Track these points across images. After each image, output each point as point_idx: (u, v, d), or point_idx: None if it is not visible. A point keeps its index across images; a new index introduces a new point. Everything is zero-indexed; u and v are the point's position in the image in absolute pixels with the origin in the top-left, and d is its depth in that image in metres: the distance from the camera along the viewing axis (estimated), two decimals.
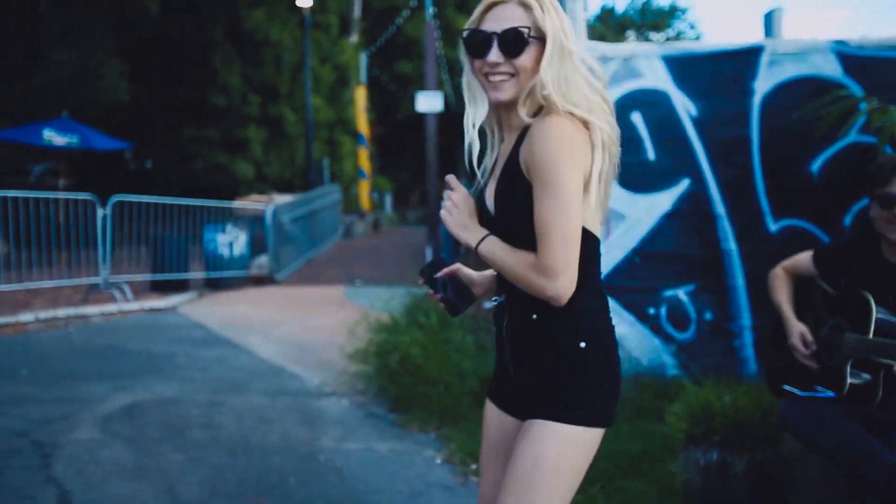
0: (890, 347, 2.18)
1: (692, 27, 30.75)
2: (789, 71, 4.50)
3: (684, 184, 4.66)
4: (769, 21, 5.35)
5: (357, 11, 24.07)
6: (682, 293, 4.73)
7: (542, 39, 1.65)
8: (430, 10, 13.27)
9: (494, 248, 1.67)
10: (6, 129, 12.96)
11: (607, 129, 1.73)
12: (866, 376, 2.27)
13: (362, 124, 20.51)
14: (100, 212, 9.12)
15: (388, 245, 17.67)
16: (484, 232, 1.70)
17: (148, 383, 5.46)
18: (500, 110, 1.76)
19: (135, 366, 6.02)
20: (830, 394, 2.30)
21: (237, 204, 12.59)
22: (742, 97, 4.55)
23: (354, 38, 23.83)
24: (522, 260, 1.61)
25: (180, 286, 10.17)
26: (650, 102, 4.63)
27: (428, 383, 4.56)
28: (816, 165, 4.55)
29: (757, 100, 4.55)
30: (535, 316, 1.68)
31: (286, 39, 17.81)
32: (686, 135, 4.62)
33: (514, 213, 1.66)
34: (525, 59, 1.65)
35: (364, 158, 20.83)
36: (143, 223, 10.01)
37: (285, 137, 18.52)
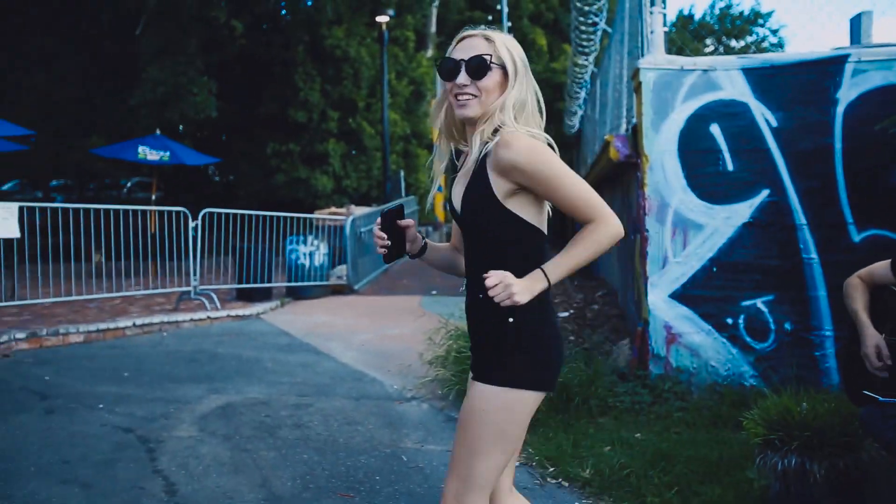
0: None
1: (774, 33, 29.90)
2: (875, 79, 4.47)
3: (764, 194, 4.67)
4: (856, 26, 5.28)
5: (433, 27, 24.48)
6: (760, 303, 4.73)
7: (502, 67, 1.95)
8: (506, 23, 13.44)
9: (557, 271, 1.88)
10: (105, 147, 13.74)
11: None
12: None
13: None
14: (191, 223, 9.60)
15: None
16: (540, 274, 1.87)
17: (239, 386, 5.76)
18: (465, 127, 2.05)
19: (226, 369, 6.35)
20: None
21: (318, 216, 12.99)
22: (825, 107, 4.55)
23: (430, 52, 24.23)
24: (580, 244, 1.87)
25: (264, 295, 10.58)
26: (729, 114, 4.66)
27: None
28: None
29: (840, 109, 4.54)
30: (480, 295, 1.92)
31: (364, 55, 18.29)
32: (766, 145, 4.64)
33: (477, 211, 1.96)
34: (487, 81, 1.94)
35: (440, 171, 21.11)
36: (229, 234, 10.47)
37: (363, 150, 18.99)
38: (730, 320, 4.77)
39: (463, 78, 1.94)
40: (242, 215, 10.52)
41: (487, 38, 1.97)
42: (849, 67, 4.49)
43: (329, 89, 17.99)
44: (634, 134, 5.09)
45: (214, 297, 9.68)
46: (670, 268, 4.82)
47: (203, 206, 10.46)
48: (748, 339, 4.76)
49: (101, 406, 5.11)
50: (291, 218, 11.47)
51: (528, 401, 1.95)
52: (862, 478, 2.73)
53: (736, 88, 4.65)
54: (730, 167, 4.70)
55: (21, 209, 7.85)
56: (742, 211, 4.70)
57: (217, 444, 4.38)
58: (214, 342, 7.67)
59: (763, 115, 4.63)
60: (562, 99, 20.10)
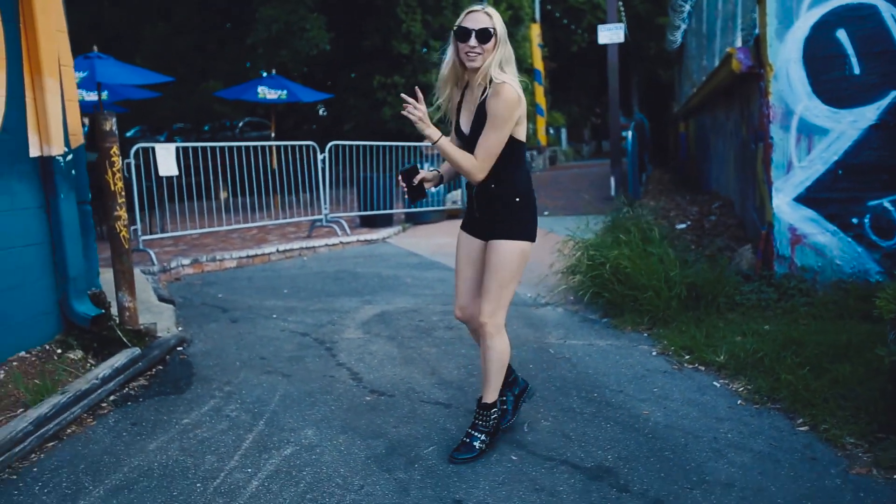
0: None
1: None
2: None
3: (891, 96, 4.80)
4: None
5: None
6: (887, 202, 4.92)
7: (495, 36, 2.93)
8: None
9: (447, 145, 2.99)
10: (226, 89, 14.59)
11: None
12: None
13: (537, 60, 20.78)
14: (320, 156, 10.28)
15: (567, 178, 18.09)
16: (439, 133, 2.94)
17: (387, 298, 6.41)
18: (470, 75, 3.04)
19: (370, 285, 7.02)
20: None
21: (423, 143, 13.48)
22: None
23: None
24: (464, 157, 2.98)
25: (385, 221, 11.26)
26: (857, 17, 4.77)
27: (638, 290, 5.09)
28: None
29: None
30: (493, 185, 3.07)
31: None
32: (895, 47, 4.72)
33: (479, 134, 2.99)
34: (488, 44, 2.93)
35: (540, 94, 21.16)
36: (351, 166, 11.12)
37: None
38: (855, 220, 4.98)
39: (473, 41, 2.91)
40: (364, 146, 11.13)
41: (488, 14, 2.92)
42: None
43: (430, 20, 18.23)
44: (757, 45, 5.25)
45: (345, 223, 10.42)
46: (795, 172, 5.04)
47: (315, 140, 11.11)
48: (874, 237, 4.96)
49: (274, 316, 5.86)
50: (407, 147, 12.02)
51: (529, 248, 3.12)
52: None
53: None
54: (856, 71, 4.83)
55: (177, 150, 8.69)
56: (868, 114, 4.85)
57: (383, 343, 5.02)
58: (352, 263, 8.38)
59: (893, 16, 4.71)
60: (664, 14, 19.60)
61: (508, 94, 2.89)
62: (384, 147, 11.46)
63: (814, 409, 3.39)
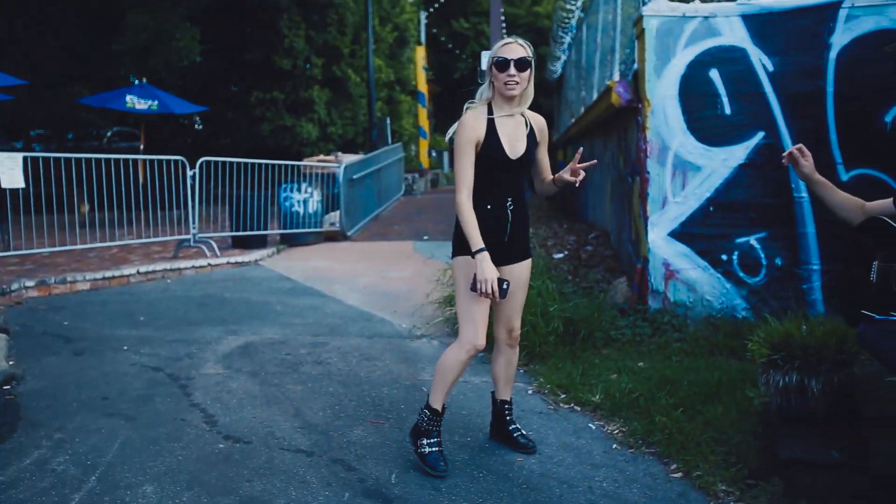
0: None
1: None
2: (867, 24, 4.68)
3: (759, 136, 4.92)
4: None
5: None
6: (753, 240, 5.02)
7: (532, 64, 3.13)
8: None
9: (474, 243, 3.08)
10: (93, 96, 13.64)
11: None
12: None
13: (422, 83, 20.79)
14: (189, 172, 9.69)
15: (448, 202, 18.05)
16: (477, 247, 3.06)
17: (254, 327, 5.99)
18: (504, 102, 3.15)
19: (237, 312, 6.57)
20: None
21: (309, 162, 13.07)
22: (819, 52, 4.76)
23: None
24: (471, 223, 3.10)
25: (259, 242, 10.74)
26: (728, 59, 4.87)
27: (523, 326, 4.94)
28: (890, 117, 4.74)
29: (833, 54, 4.76)
30: (521, 207, 3.27)
31: (349, 1, 18.12)
32: (762, 89, 4.86)
33: (531, 157, 3.29)
34: (525, 74, 3.10)
35: (423, 117, 21.16)
36: (223, 183, 10.56)
37: (348, 97, 18.95)
38: (724, 256, 5.06)
39: (513, 70, 3.05)
40: (238, 164, 10.60)
41: (521, 45, 3.10)
42: (842, 13, 4.69)
43: (314, 35, 17.86)
44: (635, 79, 5.28)
45: (213, 244, 9.84)
46: (669, 208, 5.08)
47: (187, 155, 10.50)
48: (741, 273, 5.06)
49: (125, 348, 5.33)
50: (284, 165, 11.56)
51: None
52: (853, 390, 3.03)
53: (735, 34, 4.85)
54: (727, 111, 4.92)
55: (24, 159, 7.91)
56: (738, 153, 4.95)
57: (245, 379, 4.62)
58: (220, 287, 7.87)
59: (760, 60, 4.84)
60: (545, 44, 20.09)
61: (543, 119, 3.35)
62: (260, 165, 10.97)
63: (687, 454, 3.32)
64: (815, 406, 3.06)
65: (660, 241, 5.11)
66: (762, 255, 5.03)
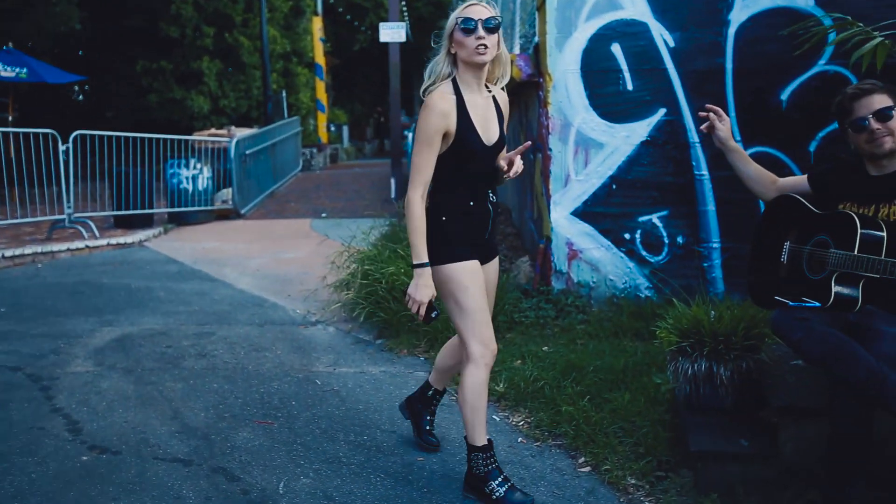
0: (873, 262, 2.39)
1: None
2: (764, 2, 4.63)
3: (661, 113, 4.81)
4: None
5: None
6: (656, 218, 4.94)
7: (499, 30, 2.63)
8: None
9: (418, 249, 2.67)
10: None
11: None
12: (850, 287, 2.49)
13: (319, 55, 20.12)
14: (61, 147, 8.91)
15: (348, 177, 17.61)
16: (420, 260, 2.65)
17: (132, 317, 5.51)
18: (477, 76, 2.66)
19: (115, 301, 6.05)
20: (816, 304, 2.52)
21: (199, 137, 12.36)
22: (718, 28, 4.68)
23: None
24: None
25: (144, 222, 10.08)
26: (630, 33, 4.73)
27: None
28: (785, 94, 4.73)
29: (732, 31, 4.69)
30: (494, 199, 2.82)
31: None
32: (664, 65, 4.75)
33: (504, 141, 2.80)
34: (496, 38, 2.61)
35: (321, 90, 20.51)
36: (104, 158, 9.81)
37: (241, 69, 18.10)
38: (627, 235, 4.96)
39: (482, 32, 2.56)
40: (118, 138, 9.86)
41: (486, 6, 2.61)
42: None
43: (203, 2, 16.89)
44: (536, 53, 5.09)
45: (92, 224, 9.13)
46: (572, 186, 4.93)
47: (68, 128, 9.70)
48: (644, 252, 4.98)
49: None
50: (171, 140, 10.88)
51: None
52: (761, 377, 2.95)
53: (637, 8, 4.70)
54: (629, 87, 4.79)
55: None
56: (640, 130, 4.84)
57: (118, 377, 4.20)
58: (97, 272, 7.28)
59: (661, 35, 4.72)
60: (445, 16, 19.82)
61: None
62: (143, 139, 10.25)
63: (595, 447, 3.17)
64: (725, 394, 2.97)
65: (562, 220, 4.96)
66: (664, 234, 4.96)
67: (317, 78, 20.69)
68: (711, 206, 4.90)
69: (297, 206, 12.60)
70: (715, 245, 4.92)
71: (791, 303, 2.51)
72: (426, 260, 2.62)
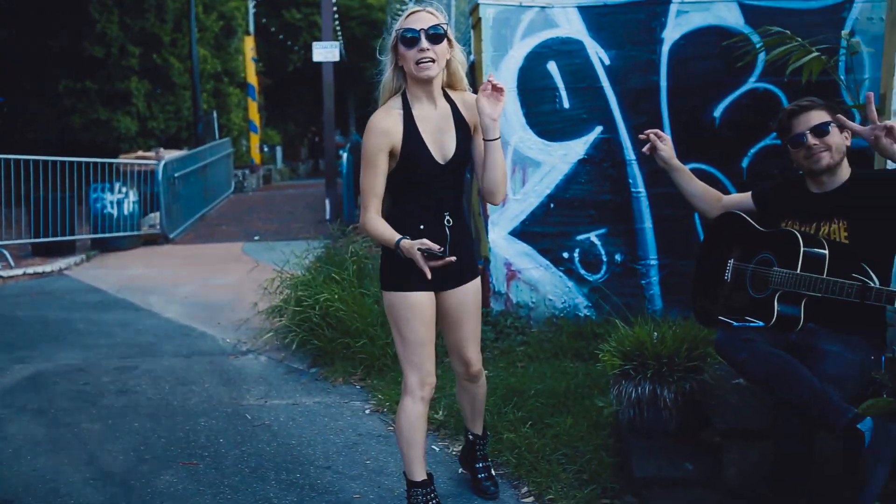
0: (815, 281, 2.34)
1: None
2: (696, 21, 4.66)
3: (597, 131, 4.79)
4: None
5: None
6: (594, 237, 4.90)
7: (447, 36, 2.41)
8: None
9: (496, 147, 2.47)
10: None
11: None
12: (792, 306, 2.44)
13: (251, 75, 19.76)
14: None
15: (281, 199, 17.25)
16: (395, 240, 2.41)
17: (48, 352, 5.17)
18: (426, 89, 2.46)
19: (29, 335, 5.68)
20: (760, 323, 2.46)
21: (124, 160, 11.91)
22: (652, 46, 4.69)
23: None
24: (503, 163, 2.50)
25: (66, 249, 9.62)
26: (565, 52, 4.70)
27: (351, 336, 4.53)
28: (718, 112, 4.76)
29: (666, 48, 4.71)
30: (462, 220, 2.60)
31: None
32: (599, 83, 4.74)
33: (467, 156, 2.55)
34: (442, 48, 2.39)
35: (254, 110, 20.15)
36: (20, 183, 9.33)
37: (171, 89, 17.59)
38: (566, 254, 4.90)
39: (424, 43, 2.36)
40: (35, 161, 9.40)
41: (432, 13, 2.40)
42: (673, 8, 4.64)
43: (129, 22, 16.39)
44: (473, 71, 5.01)
45: (6, 253, 8.65)
46: (510, 205, 4.85)
47: None
48: (583, 271, 4.93)
49: None
50: (94, 163, 10.44)
51: None
52: (704, 398, 2.89)
53: (572, 26, 4.68)
54: (566, 105, 4.75)
55: None
56: (577, 148, 4.80)
57: (28, 420, 3.89)
58: (11, 304, 6.85)
59: (597, 53, 4.70)
60: (379, 35, 19.73)
61: None
62: (63, 162, 9.80)
63: (538, 475, 3.04)
64: (668, 417, 2.89)
65: (500, 240, 4.87)
66: (602, 252, 4.92)
67: (249, 98, 20.32)
68: (648, 224, 4.88)
69: (228, 230, 12.25)
70: (653, 262, 4.91)
71: (735, 323, 2.45)
72: (400, 236, 2.39)
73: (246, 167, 19.55)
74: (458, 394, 2.95)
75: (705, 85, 4.68)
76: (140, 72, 16.95)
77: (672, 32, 4.66)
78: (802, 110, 2.60)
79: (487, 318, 4.92)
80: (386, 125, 2.44)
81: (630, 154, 4.80)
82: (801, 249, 2.39)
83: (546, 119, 4.75)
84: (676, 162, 3.00)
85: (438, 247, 2.33)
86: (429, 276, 2.33)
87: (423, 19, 2.38)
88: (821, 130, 2.57)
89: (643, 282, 4.95)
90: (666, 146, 2.95)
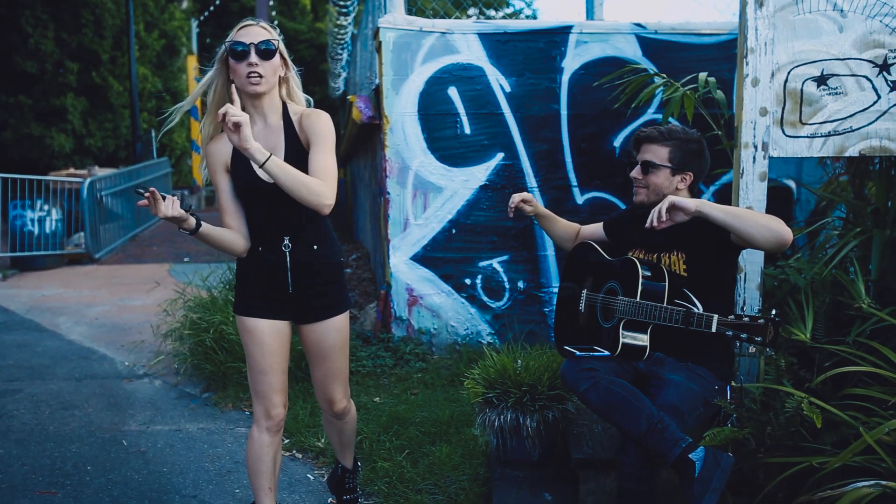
0: (654, 309, 2.34)
1: (528, 5, 31.52)
2: (595, 51, 4.73)
3: (499, 157, 4.81)
4: (590, 3, 5.57)
5: None
6: (496, 263, 4.90)
7: (279, 53, 2.37)
8: None
9: (281, 164, 2.23)
10: None
11: None
12: (638, 335, 2.44)
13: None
14: None
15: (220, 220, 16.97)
16: (268, 152, 2.21)
17: None
18: (256, 105, 2.38)
19: None
20: (606, 353, 2.45)
21: (51, 178, 11.61)
22: (552, 75, 4.75)
23: (185, 4, 22.59)
24: (304, 178, 2.25)
25: None
26: (466, 77, 4.72)
27: (243, 360, 4.41)
28: (618, 141, 4.82)
29: (566, 77, 4.76)
30: (315, 247, 2.44)
31: (107, 1, 16.58)
32: (500, 110, 4.77)
33: (302, 167, 2.32)
34: (273, 63, 2.34)
35: (196, 130, 19.86)
36: None
37: (109, 107, 17.27)
38: (468, 280, 4.89)
39: (254, 58, 2.29)
40: None
41: (265, 28, 2.36)
42: (572, 38, 4.72)
43: (66, 38, 16.08)
44: (377, 95, 5.00)
45: None
46: (412, 230, 4.83)
47: None
48: (485, 298, 4.92)
49: None
50: (15, 179, 10.14)
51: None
52: (567, 427, 2.87)
53: (473, 53, 4.71)
54: (467, 130, 4.77)
55: None
56: (479, 174, 4.81)
57: None
58: None
59: (497, 80, 4.74)
60: (325, 61, 19.70)
61: (330, 120, 2.38)
62: None
63: None
64: (531, 446, 2.86)
65: (402, 265, 4.84)
66: (505, 279, 4.92)
67: (192, 118, 20.07)
68: (551, 251, 4.91)
69: (159, 250, 11.98)
70: (555, 289, 4.92)
71: (578, 352, 2.44)
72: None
73: (186, 187, 19.23)
74: (325, 426, 2.86)
75: (605, 114, 4.75)
76: (77, 88, 16.62)
77: (572, 62, 4.72)
78: (647, 140, 2.63)
79: (389, 344, 4.88)
80: (215, 147, 2.40)
81: (532, 181, 4.83)
82: (640, 278, 2.40)
83: (447, 144, 4.76)
84: (542, 209, 3.03)
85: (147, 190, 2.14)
86: (159, 214, 2.15)
87: (253, 33, 2.32)
88: (647, 167, 2.60)
89: (546, 309, 4.96)
90: (529, 203, 2.95)
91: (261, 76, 2.29)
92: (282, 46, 2.38)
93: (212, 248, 2.54)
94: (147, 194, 2.14)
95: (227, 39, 2.35)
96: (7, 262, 9.87)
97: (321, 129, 2.36)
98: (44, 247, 10.01)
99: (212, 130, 2.43)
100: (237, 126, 2.14)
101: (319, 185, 2.25)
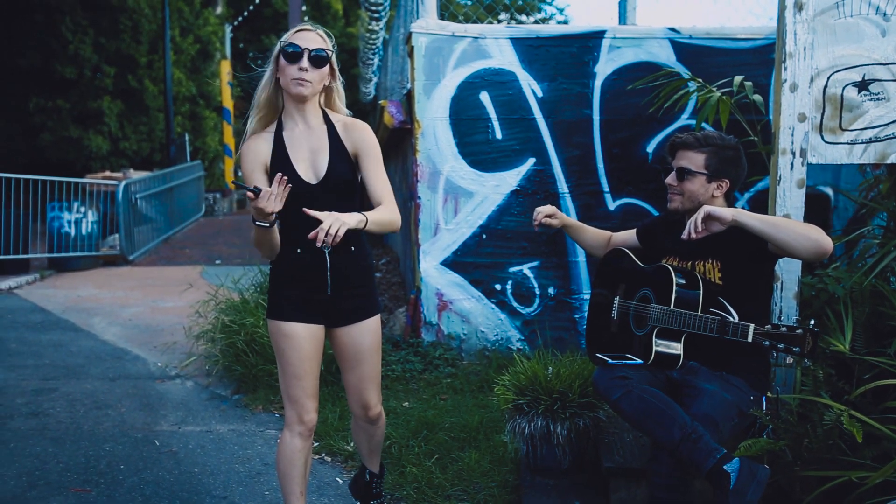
0: (688, 317, 2.31)
1: (560, 11, 31.42)
2: (628, 56, 4.69)
3: (530, 162, 4.79)
4: (622, 8, 5.55)
5: None
6: (527, 269, 4.87)
7: (330, 63, 2.41)
8: None
9: (373, 218, 2.30)
10: None
11: None
12: (671, 343, 2.40)
13: (227, 99, 19.76)
14: None
15: (248, 222, 17.13)
16: (359, 214, 2.26)
17: None
18: (300, 108, 2.42)
19: None
20: (638, 361, 2.42)
21: (88, 180, 11.83)
22: (585, 80, 4.72)
23: (219, 9, 22.89)
24: (385, 217, 2.36)
25: (18, 267, 9.48)
26: (498, 83, 4.71)
27: (274, 363, 4.45)
28: (651, 147, 4.77)
29: (598, 83, 4.73)
30: (353, 248, 2.44)
31: (144, 6, 16.87)
32: (532, 115, 4.75)
33: (345, 177, 2.42)
34: (323, 71, 2.37)
35: (229, 134, 20.10)
36: None
37: (144, 111, 17.56)
38: (498, 286, 4.87)
39: (305, 63, 2.32)
40: None
41: (321, 36, 2.39)
42: (605, 43, 4.68)
43: (104, 42, 16.39)
44: (409, 100, 5.01)
45: None
46: (442, 235, 4.83)
47: None
48: (515, 304, 4.89)
49: None
50: (53, 182, 10.35)
51: None
52: (598, 435, 2.84)
53: (505, 57, 4.70)
54: (499, 135, 4.76)
55: None
56: (510, 179, 4.79)
57: None
58: None
59: (529, 85, 4.72)
60: (357, 65, 19.81)
61: (373, 133, 2.47)
62: (16, 180, 9.71)
63: None
64: (562, 454, 2.84)
65: (432, 269, 4.83)
66: (535, 285, 4.90)
67: (224, 122, 20.30)
68: (582, 257, 4.87)
69: (191, 253, 12.13)
70: (585, 296, 4.88)
71: (610, 360, 2.41)
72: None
73: (219, 191, 19.45)
74: (353, 431, 2.80)
75: (638, 119, 4.71)
76: (114, 92, 16.92)
77: (605, 67, 4.69)
78: (683, 146, 2.59)
79: (418, 349, 4.88)
80: (255, 145, 2.42)
81: (563, 186, 4.80)
82: (675, 286, 2.37)
83: (479, 149, 4.76)
84: (569, 220, 3.00)
85: (256, 186, 2.23)
86: (269, 210, 2.19)
87: (309, 39, 2.35)
88: (683, 174, 2.56)
89: (576, 316, 4.93)
90: (554, 217, 2.91)
91: (307, 81, 2.32)
92: (333, 57, 2.41)
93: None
94: (259, 191, 2.20)
95: (282, 39, 2.38)
96: (44, 262, 10.06)
97: (371, 142, 2.44)
98: (80, 248, 10.19)
99: (257, 126, 2.45)
100: (336, 236, 2.13)
101: (392, 213, 2.39)
